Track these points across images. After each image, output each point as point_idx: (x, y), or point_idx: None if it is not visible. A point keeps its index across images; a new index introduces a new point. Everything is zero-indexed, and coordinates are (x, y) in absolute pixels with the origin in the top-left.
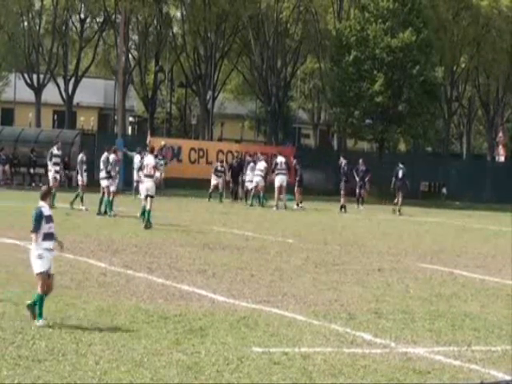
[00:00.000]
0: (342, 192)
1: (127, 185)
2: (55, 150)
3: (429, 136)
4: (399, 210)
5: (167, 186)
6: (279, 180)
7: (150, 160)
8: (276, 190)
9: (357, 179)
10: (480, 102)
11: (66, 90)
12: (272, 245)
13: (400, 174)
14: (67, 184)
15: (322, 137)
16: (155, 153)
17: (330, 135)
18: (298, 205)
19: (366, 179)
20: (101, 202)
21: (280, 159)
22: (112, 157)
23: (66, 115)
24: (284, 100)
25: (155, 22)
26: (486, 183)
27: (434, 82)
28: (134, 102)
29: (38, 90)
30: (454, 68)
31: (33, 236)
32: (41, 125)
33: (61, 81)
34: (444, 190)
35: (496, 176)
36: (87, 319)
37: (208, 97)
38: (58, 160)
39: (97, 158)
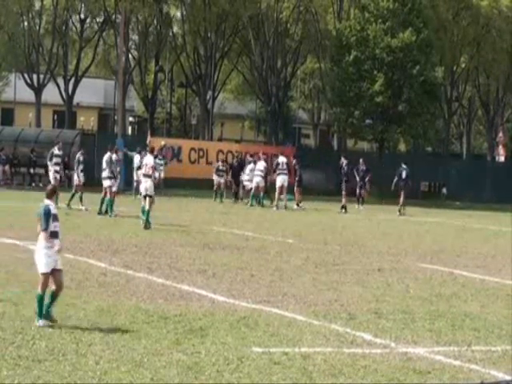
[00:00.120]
0: (343, 192)
1: (127, 185)
2: (56, 151)
3: (429, 136)
4: (399, 210)
5: (167, 186)
6: (281, 180)
7: (148, 160)
8: (277, 189)
9: (357, 179)
10: (480, 102)
11: (66, 89)
12: (272, 245)
13: (404, 174)
14: (67, 184)
15: (322, 137)
16: (155, 153)
17: (330, 135)
18: (297, 205)
19: (367, 179)
20: (102, 202)
21: (281, 159)
22: (114, 157)
23: (66, 115)
24: (284, 100)
25: (155, 21)
26: (486, 183)
27: (434, 82)
28: (134, 102)
29: (38, 90)
30: (454, 68)
31: (42, 234)
32: (41, 125)
33: (61, 81)
34: (444, 190)
35: (496, 176)
36: (87, 319)
37: (208, 97)
38: (58, 160)
39: (97, 158)
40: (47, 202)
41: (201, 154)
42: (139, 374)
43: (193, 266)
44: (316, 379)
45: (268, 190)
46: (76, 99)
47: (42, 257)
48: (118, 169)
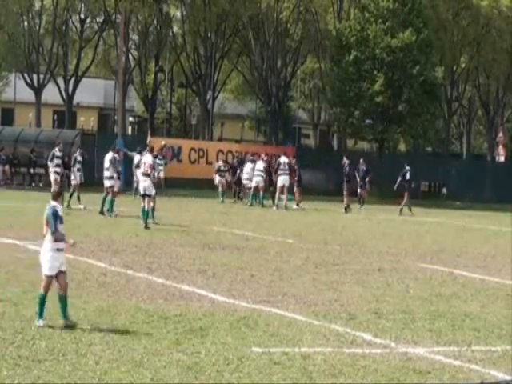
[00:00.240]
0: (345, 192)
1: (127, 185)
2: (57, 152)
3: (429, 136)
4: (401, 210)
5: (167, 186)
6: (282, 180)
7: (147, 159)
8: (278, 189)
9: (357, 179)
10: (480, 101)
11: (66, 89)
12: (272, 245)
13: (407, 175)
14: (67, 184)
15: (322, 137)
16: (155, 153)
17: (330, 135)
18: (297, 204)
19: (367, 179)
20: (104, 202)
21: (283, 159)
22: (116, 157)
23: (66, 115)
24: (284, 100)
25: (155, 21)
26: (486, 183)
27: (434, 82)
28: (134, 102)
29: (38, 89)
30: (454, 68)
31: (52, 236)
32: (41, 125)
33: (61, 81)
34: (444, 190)
35: (496, 176)
36: (87, 319)
37: (208, 97)
38: (59, 161)
39: (97, 158)
40: (54, 203)
41: (201, 154)
42: (139, 373)
43: (193, 266)
44: (316, 379)
45: (268, 189)
46: (76, 99)
47: (48, 259)
48: (120, 169)
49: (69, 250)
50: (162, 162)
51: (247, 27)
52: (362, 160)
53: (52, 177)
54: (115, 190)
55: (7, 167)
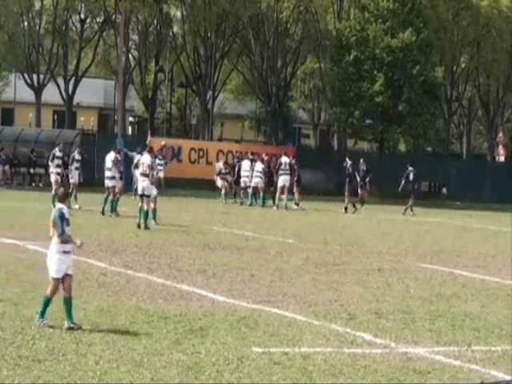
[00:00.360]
0: (347, 193)
1: (127, 185)
2: (57, 152)
3: (429, 136)
4: (405, 210)
5: (167, 186)
6: (282, 180)
7: (145, 159)
8: (278, 189)
9: (358, 179)
10: (480, 101)
11: (66, 89)
12: (272, 245)
13: (411, 176)
14: (67, 183)
15: (322, 137)
16: (156, 153)
17: (330, 135)
18: (297, 204)
19: (367, 179)
20: (105, 202)
21: (284, 159)
22: (117, 157)
23: (66, 115)
24: (284, 100)
25: (155, 21)
26: (486, 183)
27: (434, 82)
28: (134, 102)
29: (38, 89)
30: (454, 68)
31: (60, 239)
32: (41, 125)
33: (61, 81)
34: (444, 190)
35: (496, 176)
36: (87, 319)
37: (208, 97)
38: (60, 162)
39: (97, 158)
40: (60, 205)
41: (201, 153)
42: (139, 374)
43: (193, 266)
44: (316, 379)
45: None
46: (76, 99)
47: (55, 262)
48: (121, 169)
49: (76, 250)
50: (162, 162)
51: (247, 27)
52: (362, 160)
53: (52, 177)
54: (116, 190)
55: (7, 167)
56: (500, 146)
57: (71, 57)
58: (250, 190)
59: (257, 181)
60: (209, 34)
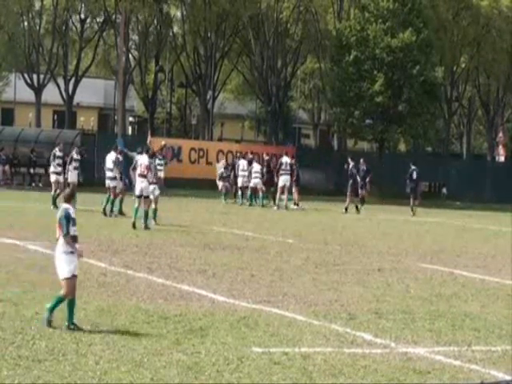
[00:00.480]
0: (348, 193)
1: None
2: (58, 152)
3: (429, 136)
4: (412, 209)
5: (167, 186)
6: (283, 180)
7: (143, 160)
8: (278, 189)
9: (358, 179)
10: (480, 101)
11: (66, 89)
12: (272, 245)
13: (414, 175)
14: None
15: (322, 137)
16: (156, 153)
17: (330, 135)
18: (297, 204)
19: (367, 179)
20: (107, 202)
21: (285, 159)
22: (118, 157)
23: (66, 115)
24: (284, 100)
25: (155, 21)
26: (486, 183)
27: (434, 82)
28: (134, 102)
29: (38, 89)
30: (454, 68)
31: (64, 239)
32: (41, 125)
33: (61, 81)
34: (444, 190)
35: (496, 176)
36: (87, 319)
37: (208, 97)
38: (60, 162)
39: (97, 158)
40: (66, 205)
41: (201, 153)
42: (139, 373)
43: (193, 266)
44: (316, 379)
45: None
46: (76, 99)
47: (64, 263)
48: (121, 169)
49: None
50: (162, 162)
51: (247, 27)
52: (362, 160)
53: (52, 178)
54: (117, 190)
55: (7, 167)
56: (500, 146)
57: (71, 57)
58: (248, 191)
59: (256, 181)
60: (209, 34)
